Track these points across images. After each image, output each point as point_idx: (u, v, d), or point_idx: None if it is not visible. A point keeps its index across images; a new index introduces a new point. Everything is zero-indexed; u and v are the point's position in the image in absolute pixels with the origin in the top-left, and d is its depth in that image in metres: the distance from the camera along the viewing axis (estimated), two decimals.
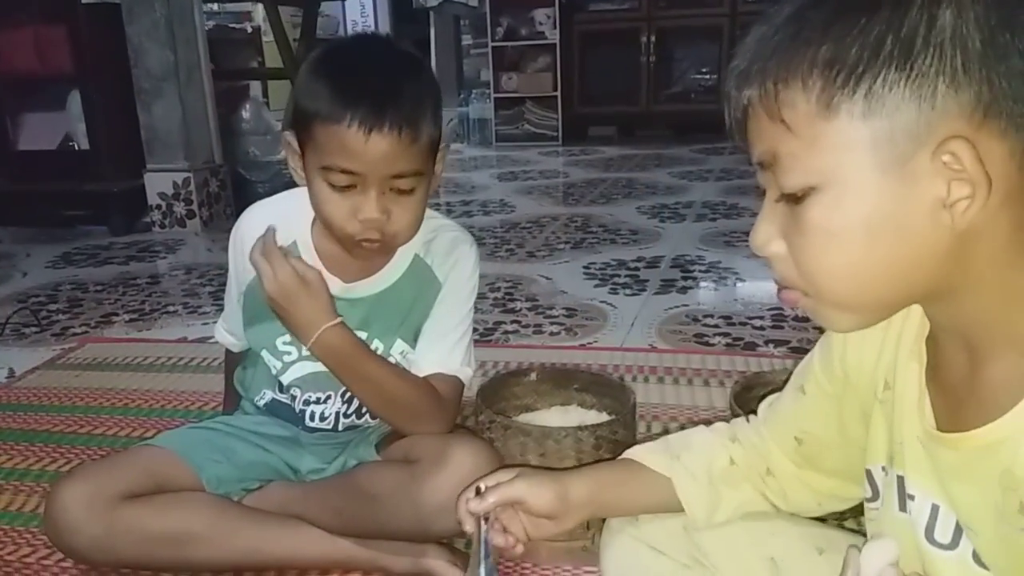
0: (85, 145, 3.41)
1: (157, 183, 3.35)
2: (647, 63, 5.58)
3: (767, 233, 0.57)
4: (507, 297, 2.27)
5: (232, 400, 1.26)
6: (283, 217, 1.09)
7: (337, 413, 1.15)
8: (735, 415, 1.18)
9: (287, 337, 1.11)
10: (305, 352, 1.10)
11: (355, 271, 1.09)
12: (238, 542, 1.06)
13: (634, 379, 1.64)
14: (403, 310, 1.11)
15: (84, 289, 2.54)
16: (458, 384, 1.12)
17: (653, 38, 5.54)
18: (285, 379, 1.14)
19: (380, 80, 0.95)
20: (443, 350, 1.11)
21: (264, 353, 1.14)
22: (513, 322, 2.06)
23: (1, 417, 1.62)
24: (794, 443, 0.76)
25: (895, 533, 0.60)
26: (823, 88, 0.50)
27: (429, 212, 1.11)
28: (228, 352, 1.28)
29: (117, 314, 2.25)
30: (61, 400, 1.68)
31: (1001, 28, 0.47)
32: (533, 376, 1.27)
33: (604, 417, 1.18)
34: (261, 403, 1.19)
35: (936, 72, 0.48)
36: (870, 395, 0.66)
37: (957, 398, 0.57)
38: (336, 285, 1.08)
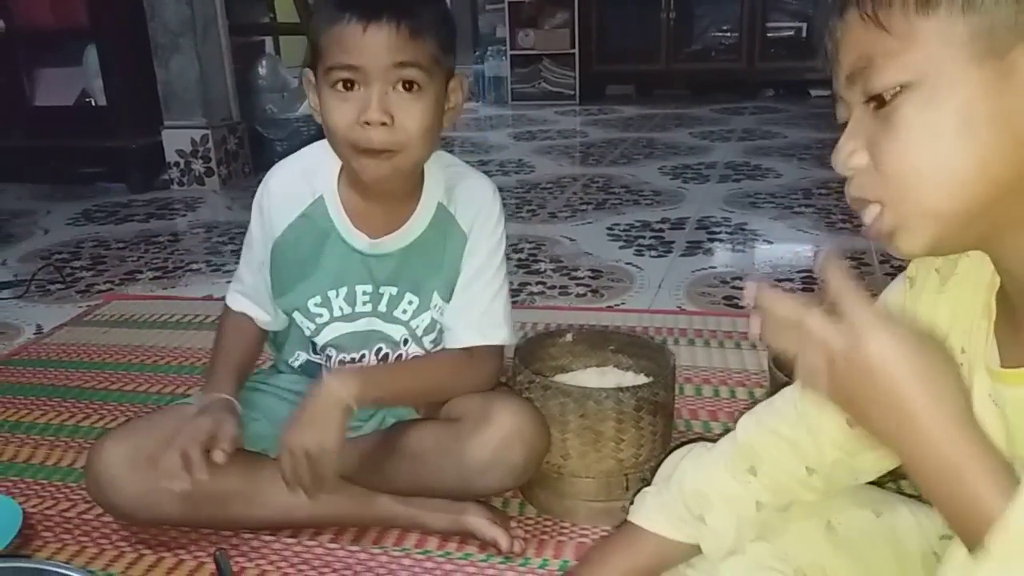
0: (102, 101, 3.38)
1: (175, 140, 3.33)
2: (667, 20, 5.49)
3: (851, 146, 0.55)
4: (531, 258, 2.25)
5: (220, 367, 1.12)
6: (309, 172, 1.07)
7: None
8: (774, 380, 1.18)
9: (318, 299, 1.10)
10: (338, 313, 1.10)
11: (381, 226, 1.07)
12: (276, 499, 1.07)
13: (664, 341, 1.63)
14: (433, 262, 1.09)
15: (106, 246, 2.54)
16: (496, 350, 1.11)
17: None
18: (319, 340, 1.13)
19: None
20: (475, 317, 1.08)
21: (296, 315, 1.13)
22: (538, 283, 2.04)
23: (32, 373, 1.62)
24: (846, 427, 0.71)
25: None
26: None
27: (447, 157, 1.10)
28: (226, 315, 1.18)
29: (141, 271, 2.25)
30: (91, 356, 1.68)
31: None
32: (569, 337, 1.26)
33: (642, 379, 1.17)
34: (295, 364, 1.19)
35: None
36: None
37: (1018, 340, 0.56)
38: (363, 241, 1.07)
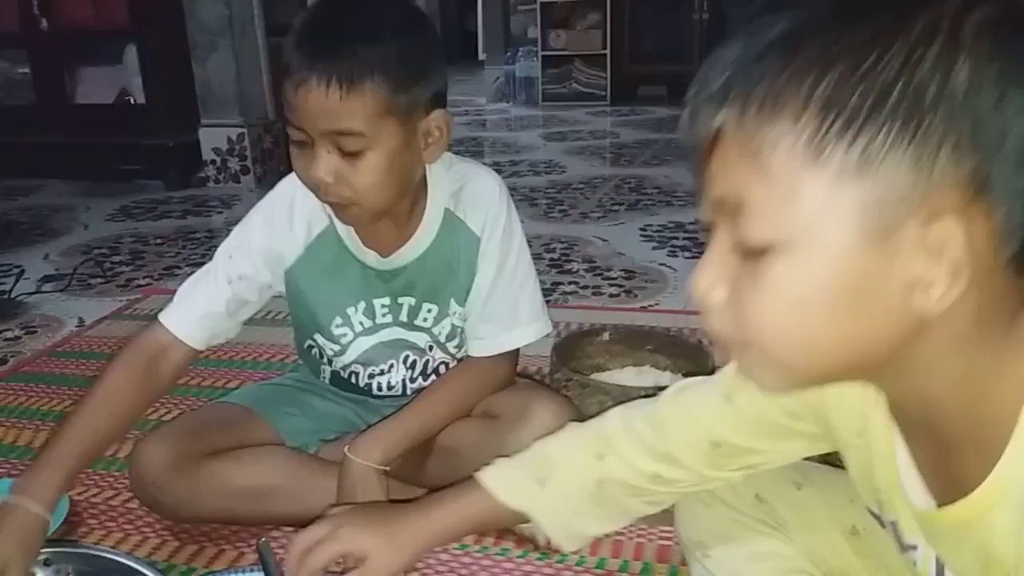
0: (141, 99, 3.44)
1: (212, 138, 3.38)
2: (699, 21, 5.46)
3: (712, 279, 0.50)
4: (563, 258, 2.26)
5: (65, 442, 0.95)
6: (313, 199, 1.03)
7: (403, 380, 1.15)
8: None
9: (339, 319, 1.10)
10: (359, 328, 1.10)
11: (390, 241, 1.06)
12: (316, 494, 1.07)
13: (700, 343, 1.62)
14: (447, 269, 1.07)
15: (145, 242, 2.58)
16: (512, 355, 1.11)
17: None
18: (344, 360, 1.13)
19: (325, 35, 0.89)
20: (497, 326, 1.07)
21: (318, 338, 1.12)
22: (571, 283, 2.05)
23: (75, 364, 1.66)
24: (708, 447, 0.71)
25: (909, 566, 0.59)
26: (815, 132, 0.43)
27: (450, 158, 1.07)
28: (136, 342, 1.07)
29: (179, 267, 2.28)
30: None
31: (1016, 87, 0.42)
32: (606, 336, 1.26)
33: (679, 379, 1.17)
34: (324, 379, 1.19)
35: (943, 135, 0.41)
36: (846, 436, 0.62)
37: (931, 470, 0.54)
38: (373, 258, 1.06)
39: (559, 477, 0.76)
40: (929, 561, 0.56)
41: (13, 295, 2.08)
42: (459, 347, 1.13)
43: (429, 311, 1.10)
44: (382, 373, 1.14)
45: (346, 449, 1.02)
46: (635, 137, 4.26)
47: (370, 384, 1.15)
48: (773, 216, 0.45)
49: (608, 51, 5.49)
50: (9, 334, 1.86)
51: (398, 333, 1.11)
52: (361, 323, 1.10)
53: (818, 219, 0.44)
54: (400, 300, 1.09)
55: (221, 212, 2.99)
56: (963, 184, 0.42)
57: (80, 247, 2.55)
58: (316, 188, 0.94)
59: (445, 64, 0.98)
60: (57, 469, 0.92)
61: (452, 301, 1.09)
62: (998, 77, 0.41)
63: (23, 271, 2.25)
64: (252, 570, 0.96)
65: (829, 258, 0.45)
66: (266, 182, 3.38)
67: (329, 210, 1.04)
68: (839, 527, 0.77)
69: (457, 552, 1.05)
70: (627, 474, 0.74)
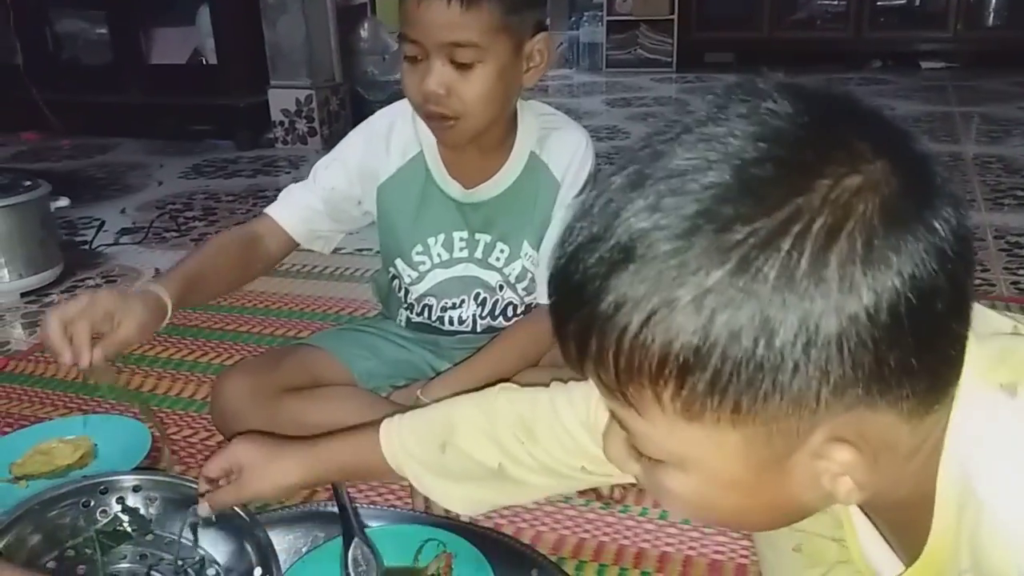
0: (213, 60, 3.51)
1: (281, 99, 3.43)
2: None
3: (620, 454, 0.50)
4: None
5: (182, 267, 1.09)
6: (411, 118, 1.10)
7: (473, 315, 1.18)
8: None
9: (420, 247, 1.14)
10: (436, 260, 1.14)
11: (475, 175, 1.10)
12: None
13: None
14: (525, 211, 1.11)
15: (217, 199, 2.65)
16: None
17: None
18: (420, 288, 1.17)
19: None
20: None
21: (399, 263, 1.17)
22: None
23: None
24: (582, 469, 0.73)
25: None
26: (680, 394, 0.41)
27: (541, 107, 1.12)
28: (248, 223, 1.18)
29: None
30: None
31: (895, 340, 0.40)
32: None
33: None
34: (401, 323, 1.23)
35: (818, 383, 0.40)
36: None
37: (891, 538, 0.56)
38: (457, 190, 1.11)
39: (458, 449, 0.75)
40: None
41: (94, 246, 2.17)
42: (528, 290, 1.15)
43: (502, 251, 1.13)
44: (454, 307, 1.17)
45: (419, 392, 1.05)
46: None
47: (442, 317, 1.18)
48: (656, 445, 0.45)
49: (675, 16, 5.37)
50: (91, 282, 1.94)
51: (472, 270, 1.14)
52: (439, 255, 1.14)
53: (703, 455, 0.44)
54: (477, 236, 1.12)
55: (289, 172, 3.05)
56: (852, 404, 0.41)
57: (155, 202, 2.63)
58: (425, 101, 0.98)
59: None
60: (175, 280, 1.02)
61: (526, 243, 1.12)
62: (871, 327, 0.39)
63: (103, 223, 2.33)
64: (325, 505, 1.00)
65: (722, 480, 0.45)
66: (332, 144, 3.40)
67: (422, 137, 1.10)
68: None
69: None
70: (523, 470, 0.74)
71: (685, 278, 0.39)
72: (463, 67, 0.95)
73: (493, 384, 1.06)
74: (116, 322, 0.90)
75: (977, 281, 1.72)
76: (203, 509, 0.83)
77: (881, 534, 0.57)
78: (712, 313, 0.39)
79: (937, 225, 0.40)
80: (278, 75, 3.45)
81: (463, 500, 0.79)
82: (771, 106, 0.42)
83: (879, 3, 5.22)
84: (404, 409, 1.08)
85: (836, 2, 5.35)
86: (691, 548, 0.97)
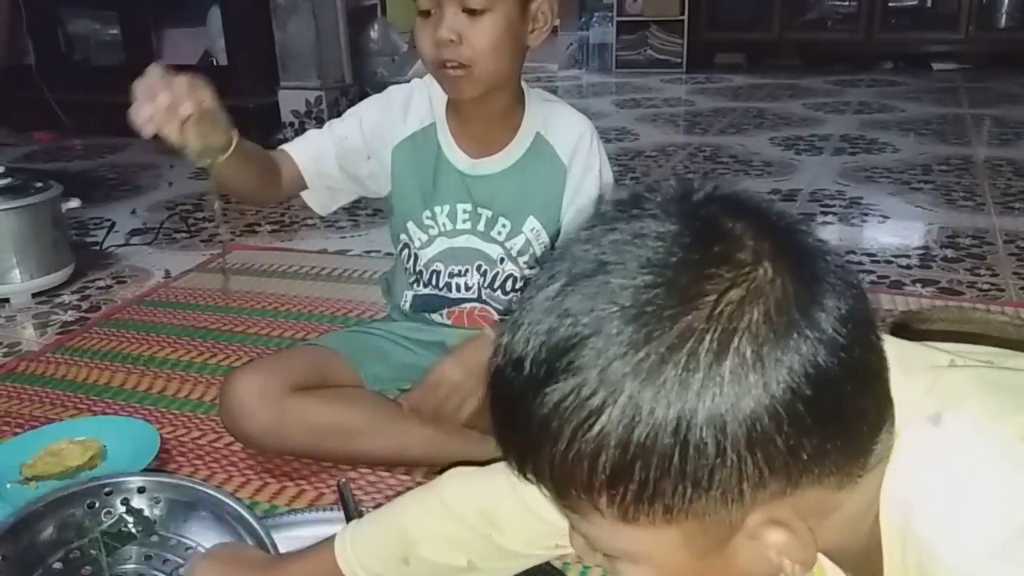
0: (223, 61, 3.53)
1: (290, 100, 3.44)
2: None
3: (582, 548, 0.52)
4: None
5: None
6: (428, 92, 1.16)
7: (478, 284, 1.19)
8: None
9: (428, 212, 1.17)
10: (442, 228, 1.17)
11: (481, 148, 1.14)
12: (395, 437, 1.13)
13: None
14: (528, 187, 1.14)
15: (227, 200, 2.65)
16: None
17: None
18: (428, 253, 1.19)
19: None
20: None
21: (410, 225, 1.19)
22: None
23: (163, 313, 1.73)
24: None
25: None
26: (612, 504, 0.44)
27: (547, 94, 1.17)
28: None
29: (259, 224, 2.35)
30: (215, 301, 1.78)
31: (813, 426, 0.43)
32: None
33: None
34: (406, 306, 1.24)
35: (738, 480, 0.42)
36: None
37: None
38: (464, 162, 1.15)
39: (421, 559, 0.74)
40: None
41: (105, 247, 2.18)
42: (528, 265, 1.17)
43: (504, 226, 1.15)
44: (460, 275, 1.19)
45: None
46: (711, 105, 4.18)
47: (449, 284, 1.20)
48: (606, 545, 0.49)
49: (686, 17, 5.36)
50: (101, 283, 1.95)
51: (474, 242, 1.17)
52: (444, 224, 1.17)
53: (648, 550, 0.47)
54: (480, 211, 1.15)
55: None
56: (780, 491, 0.44)
57: (165, 203, 2.64)
58: (438, 48, 1.02)
59: None
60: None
61: (531, 218, 1.15)
62: (785, 414, 0.42)
63: (113, 224, 2.34)
64: (332, 509, 1.00)
65: (672, 569, 0.48)
66: None
67: (436, 109, 1.15)
68: None
69: None
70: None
71: (601, 398, 0.42)
72: (474, 14, 1.00)
73: None
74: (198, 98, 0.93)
75: (986, 286, 1.72)
76: None
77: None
78: (630, 427, 0.42)
79: (823, 319, 0.43)
80: (288, 76, 3.46)
81: None
82: (655, 228, 0.44)
83: (890, 4, 5.20)
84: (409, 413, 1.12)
85: (847, 3, 5.33)
86: None
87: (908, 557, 0.47)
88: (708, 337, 0.41)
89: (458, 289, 1.20)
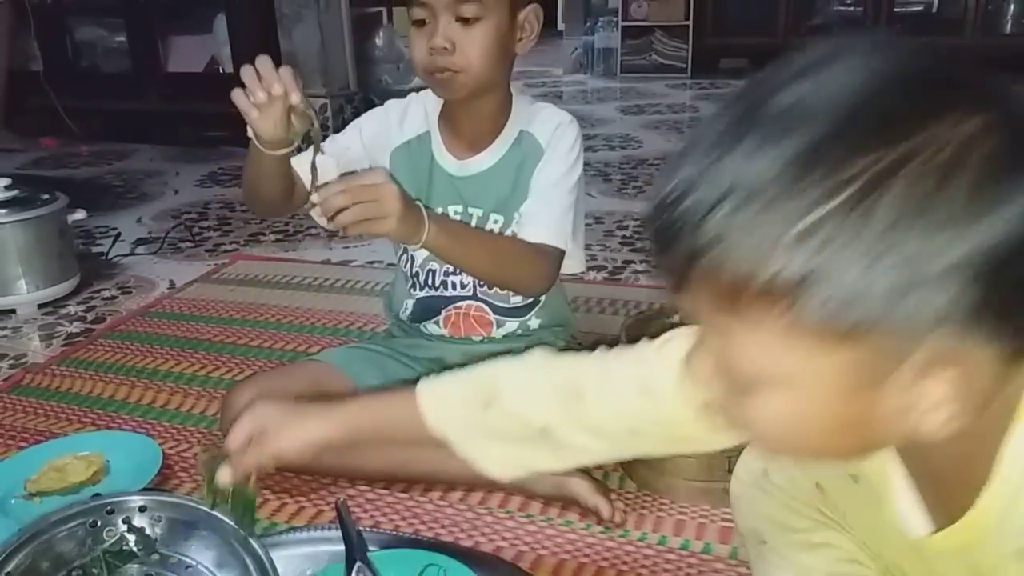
0: (229, 69, 3.55)
1: None
2: None
3: (707, 375, 0.50)
4: (636, 236, 2.25)
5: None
6: (423, 104, 1.21)
7: (473, 282, 1.22)
8: None
9: None
10: None
11: (469, 149, 1.18)
12: (393, 453, 1.14)
13: None
14: (515, 181, 1.17)
15: (231, 208, 2.68)
16: (558, 255, 1.15)
17: None
18: (424, 252, 1.20)
19: None
20: (549, 220, 1.14)
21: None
22: (643, 262, 2.04)
23: (167, 324, 1.75)
24: (629, 433, 0.70)
25: None
26: (787, 311, 0.42)
27: (534, 99, 1.22)
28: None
29: (264, 234, 2.37)
30: (219, 312, 1.80)
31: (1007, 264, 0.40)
32: (676, 318, 1.27)
33: None
34: (405, 315, 1.27)
35: (926, 310, 0.40)
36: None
37: (929, 498, 0.57)
38: (452, 164, 1.18)
39: (502, 408, 0.72)
40: None
41: (110, 256, 2.20)
42: None
43: (495, 222, 1.18)
44: (455, 272, 1.21)
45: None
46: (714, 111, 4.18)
47: (445, 282, 1.22)
48: (753, 361, 0.46)
49: (691, 22, 5.37)
50: (107, 293, 1.97)
51: None
52: None
53: (800, 374, 0.44)
54: (471, 210, 1.19)
55: None
56: (956, 334, 0.41)
57: (171, 211, 2.66)
58: (432, 57, 1.06)
59: None
60: None
61: (520, 210, 1.17)
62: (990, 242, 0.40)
63: (119, 234, 2.37)
64: (330, 528, 1.01)
65: (815, 401, 0.45)
66: None
67: (431, 118, 1.19)
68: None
69: (522, 520, 1.09)
70: (563, 434, 0.72)
71: (797, 209, 0.40)
72: (467, 23, 1.05)
73: (469, 248, 1.09)
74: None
75: None
76: (224, 476, 0.81)
77: (918, 491, 0.58)
78: (824, 242, 0.40)
79: None
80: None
81: (501, 461, 0.75)
82: (886, 51, 0.43)
83: (896, 9, 5.19)
84: None
85: (853, 8, 5.33)
86: (688, 575, 0.98)
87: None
88: (944, 154, 0.39)
89: (453, 287, 1.23)
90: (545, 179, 1.16)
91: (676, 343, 0.67)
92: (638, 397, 0.69)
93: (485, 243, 1.15)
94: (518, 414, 0.72)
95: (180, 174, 3.21)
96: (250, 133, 1.08)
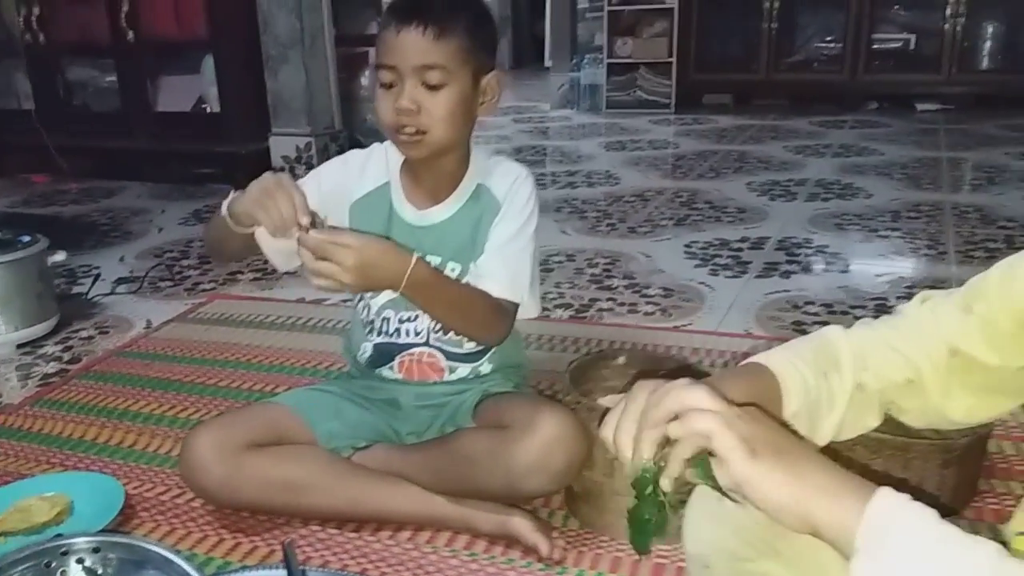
0: (216, 108, 3.63)
1: (281, 146, 3.54)
2: (768, 29, 5.42)
3: None
4: (605, 273, 2.31)
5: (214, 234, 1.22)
6: (385, 154, 1.25)
7: (427, 328, 1.26)
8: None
9: None
10: None
11: (429, 200, 1.23)
12: (345, 493, 1.18)
13: (726, 365, 1.66)
14: (472, 232, 1.22)
15: (206, 260, 2.73)
16: (514, 308, 1.21)
17: (776, 4, 5.38)
18: (379, 300, 1.25)
19: (422, 1, 1.12)
20: (507, 275, 1.19)
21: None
22: (609, 299, 2.10)
23: (140, 365, 1.80)
24: (947, 355, 0.73)
25: None
26: None
27: (491, 153, 1.28)
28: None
29: (242, 272, 2.42)
30: (192, 352, 1.85)
31: None
32: (621, 360, 1.32)
33: None
34: (363, 359, 1.31)
35: None
36: None
37: None
38: (412, 214, 1.23)
39: (839, 374, 0.75)
40: None
41: (90, 296, 2.25)
42: None
43: (453, 269, 1.22)
44: (410, 320, 1.25)
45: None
46: (695, 148, 4.26)
47: (399, 329, 1.26)
48: None
49: (674, 59, 5.48)
50: (84, 333, 2.02)
51: None
52: None
53: None
54: (429, 258, 1.21)
55: None
56: None
57: (153, 250, 2.72)
58: (399, 118, 1.11)
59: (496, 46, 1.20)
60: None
61: (474, 263, 1.22)
62: None
63: (100, 274, 2.42)
64: (278, 567, 1.06)
65: None
66: None
67: (391, 168, 1.24)
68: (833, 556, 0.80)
69: (466, 558, 1.13)
70: (882, 383, 0.75)
71: None
72: (432, 88, 1.10)
73: (440, 296, 1.15)
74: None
75: None
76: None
77: None
78: None
79: None
80: (279, 123, 3.56)
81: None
82: None
83: (874, 46, 5.30)
84: (360, 469, 1.18)
85: (832, 45, 5.44)
86: None
87: None
88: None
89: (407, 334, 1.26)
90: (502, 234, 1.20)
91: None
92: (960, 313, 0.73)
93: (453, 295, 1.18)
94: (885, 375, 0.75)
95: (166, 211, 3.27)
96: (224, 212, 1.14)
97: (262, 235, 1.19)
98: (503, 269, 1.19)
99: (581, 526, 1.19)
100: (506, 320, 1.20)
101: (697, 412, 0.59)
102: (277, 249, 1.21)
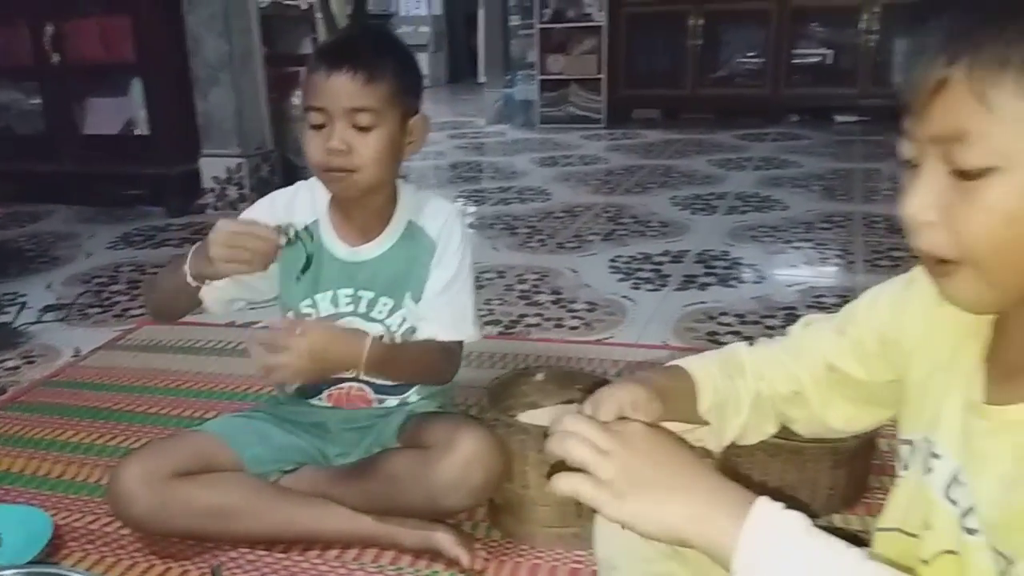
0: (145, 130, 3.60)
1: (212, 168, 3.53)
2: (693, 47, 5.60)
3: (924, 202, 0.56)
4: (533, 289, 2.38)
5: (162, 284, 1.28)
6: (311, 192, 1.29)
7: None
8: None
9: (309, 301, 1.28)
10: (324, 313, 1.28)
11: (359, 238, 1.27)
12: (272, 517, 1.22)
13: None
14: (404, 267, 1.27)
15: (142, 271, 2.73)
16: (461, 345, 1.28)
17: (701, 21, 5.56)
18: None
19: (352, 45, 1.19)
20: (450, 318, 1.25)
21: (290, 315, 1.29)
22: (536, 315, 2.17)
23: (69, 394, 1.80)
24: (825, 370, 0.81)
25: (916, 497, 0.68)
26: None
27: (416, 189, 1.32)
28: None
29: None
30: (120, 380, 1.86)
31: None
32: (540, 376, 1.38)
33: None
34: (290, 389, 1.34)
35: None
36: (925, 365, 0.71)
37: (1008, 376, 0.61)
38: (344, 251, 1.27)
39: (742, 381, 0.83)
40: (943, 476, 0.64)
41: (16, 325, 2.23)
42: (405, 338, 1.28)
43: (385, 304, 1.27)
44: None
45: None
46: (624, 163, 4.38)
47: None
48: (993, 144, 0.51)
49: (604, 75, 5.62)
50: (9, 363, 2.00)
51: (356, 322, 1.27)
52: (326, 309, 1.27)
53: None
54: (360, 293, 1.27)
55: None
56: None
57: (81, 276, 2.69)
58: (329, 158, 1.16)
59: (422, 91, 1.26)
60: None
61: (407, 296, 1.27)
62: None
63: (25, 302, 2.39)
64: None
65: None
66: None
67: (318, 206, 1.28)
68: None
69: (392, 573, 1.18)
70: (773, 393, 0.83)
71: None
72: (362, 130, 1.15)
73: (395, 364, 1.22)
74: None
75: None
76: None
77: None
78: None
79: None
80: (210, 144, 3.56)
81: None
82: None
83: (794, 61, 5.52)
84: (287, 493, 1.22)
85: (755, 60, 5.65)
86: None
87: None
88: None
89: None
90: (442, 277, 1.25)
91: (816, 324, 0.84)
92: (835, 334, 0.80)
93: (410, 358, 1.25)
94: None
95: (94, 236, 3.24)
96: (190, 278, 1.18)
97: (207, 290, 1.23)
98: (447, 312, 1.25)
99: (503, 536, 1.25)
100: (455, 360, 1.28)
101: (574, 441, 0.63)
102: (216, 299, 1.26)
